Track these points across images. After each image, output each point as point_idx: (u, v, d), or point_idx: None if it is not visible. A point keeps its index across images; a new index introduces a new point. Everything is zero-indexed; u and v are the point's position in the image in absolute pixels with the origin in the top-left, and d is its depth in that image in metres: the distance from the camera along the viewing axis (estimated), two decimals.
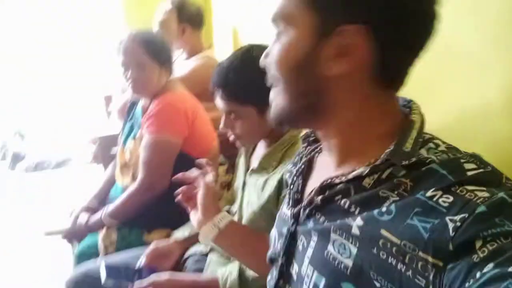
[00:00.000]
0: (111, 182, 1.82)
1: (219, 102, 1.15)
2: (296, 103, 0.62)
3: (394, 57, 0.56)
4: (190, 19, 2.19)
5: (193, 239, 1.41)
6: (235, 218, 1.25)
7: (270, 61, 0.63)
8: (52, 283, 2.16)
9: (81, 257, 1.52)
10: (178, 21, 2.16)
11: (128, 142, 1.70)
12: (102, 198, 1.79)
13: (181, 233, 1.43)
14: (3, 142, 3.82)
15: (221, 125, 1.18)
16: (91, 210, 1.69)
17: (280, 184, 1.08)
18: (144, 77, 1.57)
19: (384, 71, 0.57)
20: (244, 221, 1.19)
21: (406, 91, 0.82)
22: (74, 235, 1.60)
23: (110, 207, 1.58)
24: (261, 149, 1.24)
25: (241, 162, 1.35)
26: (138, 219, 1.57)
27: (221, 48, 2.54)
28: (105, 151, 1.97)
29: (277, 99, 0.64)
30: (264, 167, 1.16)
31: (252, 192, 1.19)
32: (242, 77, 1.07)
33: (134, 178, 1.63)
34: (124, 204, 1.56)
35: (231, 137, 1.20)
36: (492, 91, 0.74)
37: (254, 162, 1.22)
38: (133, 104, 1.80)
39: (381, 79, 0.57)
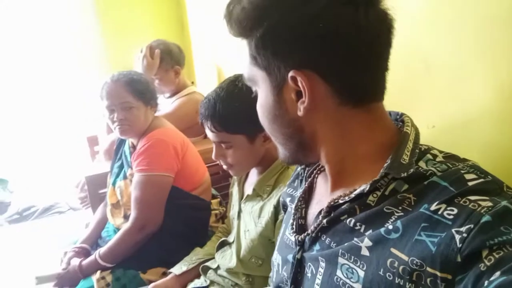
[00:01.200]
0: (102, 223, 1.80)
1: (209, 133, 1.16)
2: (290, 146, 0.67)
3: (347, 81, 0.59)
4: (178, 60, 2.25)
5: (191, 273, 1.39)
6: (233, 248, 1.24)
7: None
8: None
9: None
10: (171, 65, 2.21)
11: (118, 182, 1.69)
12: (94, 241, 1.76)
13: (178, 268, 1.40)
14: None
15: (213, 155, 1.19)
16: (83, 253, 1.66)
17: (276, 210, 1.09)
18: (131, 118, 1.57)
19: (346, 94, 0.59)
20: (242, 250, 1.18)
21: (394, 106, 0.85)
22: (67, 280, 1.55)
23: (103, 249, 1.54)
24: (254, 176, 1.25)
25: (234, 190, 1.35)
26: (132, 259, 1.54)
27: (205, 84, 2.58)
28: (92, 191, 1.94)
29: (279, 149, 0.71)
30: (259, 193, 1.17)
31: (248, 220, 1.19)
32: (230, 107, 1.10)
33: (126, 217, 1.62)
34: (118, 244, 1.53)
35: (224, 167, 1.21)
36: (475, 99, 0.78)
37: (248, 189, 1.23)
38: (120, 144, 1.80)
39: (348, 101, 0.60)
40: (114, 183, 1.71)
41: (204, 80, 2.64)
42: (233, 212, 1.33)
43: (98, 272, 1.51)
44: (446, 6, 0.80)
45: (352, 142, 0.62)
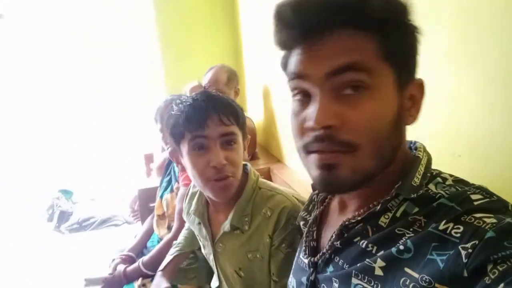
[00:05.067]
0: (148, 234, 1.91)
1: (216, 129, 1.06)
2: (383, 160, 0.60)
3: None
4: (238, 82, 2.40)
5: None
6: None
7: (355, 122, 0.56)
8: None
9: None
10: (234, 85, 2.37)
11: (165, 194, 1.80)
12: (140, 250, 1.87)
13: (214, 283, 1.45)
14: (50, 204, 4.00)
15: (221, 159, 1.03)
16: (129, 261, 1.76)
17: (272, 239, 1.07)
18: None
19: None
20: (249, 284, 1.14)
21: (420, 136, 0.86)
22: (112, 284, 1.65)
23: (146, 257, 1.64)
24: (220, 213, 1.18)
25: (197, 230, 1.28)
26: None
27: (255, 107, 2.67)
28: (143, 204, 2.06)
29: (355, 164, 0.57)
30: (237, 226, 1.10)
31: (236, 258, 1.14)
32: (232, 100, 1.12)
33: (169, 228, 1.71)
34: (160, 254, 1.61)
35: (220, 175, 1.05)
36: (501, 128, 0.78)
37: (223, 227, 1.14)
38: (170, 160, 1.91)
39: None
40: (161, 196, 1.82)
41: (253, 104, 2.73)
42: (206, 252, 1.27)
43: (140, 279, 1.61)
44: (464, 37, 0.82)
45: (389, 162, 0.62)
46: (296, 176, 1.91)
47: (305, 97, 0.60)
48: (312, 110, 0.57)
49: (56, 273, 2.84)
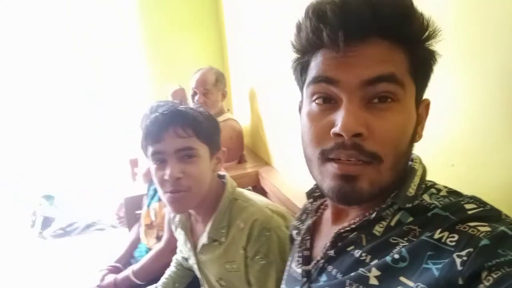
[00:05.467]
0: (135, 244, 1.88)
1: (171, 142, 1.07)
2: (397, 173, 0.60)
3: None
4: (225, 85, 2.38)
5: None
6: None
7: (382, 133, 0.56)
8: None
9: None
10: (222, 87, 2.35)
11: (152, 203, 1.77)
12: (127, 260, 1.84)
13: None
14: (33, 211, 3.92)
15: (173, 172, 1.03)
16: (116, 272, 1.73)
17: (246, 251, 1.08)
18: None
19: None
20: None
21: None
22: None
23: (137, 266, 1.61)
24: (199, 224, 1.21)
25: (182, 241, 1.30)
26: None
27: (241, 110, 2.66)
28: (130, 211, 2.03)
29: (375, 176, 0.57)
30: (215, 238, 1.13)
31: (216, 268, 1.17)
32: (200, 112, 1.14)
33: (158, 238, 1.69)
34: (151, 263, 1.60)
35: (169, 196, 1.07)
36: (495, 137, 0.78)
37: (201, 239, 1.18)
38: None
39: None
40: (149, 205, 1.79)
41: (240, 107, 2.72)
42: (191, 262, 1.29)
43: None
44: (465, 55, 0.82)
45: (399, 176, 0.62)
46: (284, 179, 1.90)
47: (326, 103, 0.59)
48: (341, 116, 0.55)
49: (43, 282, 2.78)
